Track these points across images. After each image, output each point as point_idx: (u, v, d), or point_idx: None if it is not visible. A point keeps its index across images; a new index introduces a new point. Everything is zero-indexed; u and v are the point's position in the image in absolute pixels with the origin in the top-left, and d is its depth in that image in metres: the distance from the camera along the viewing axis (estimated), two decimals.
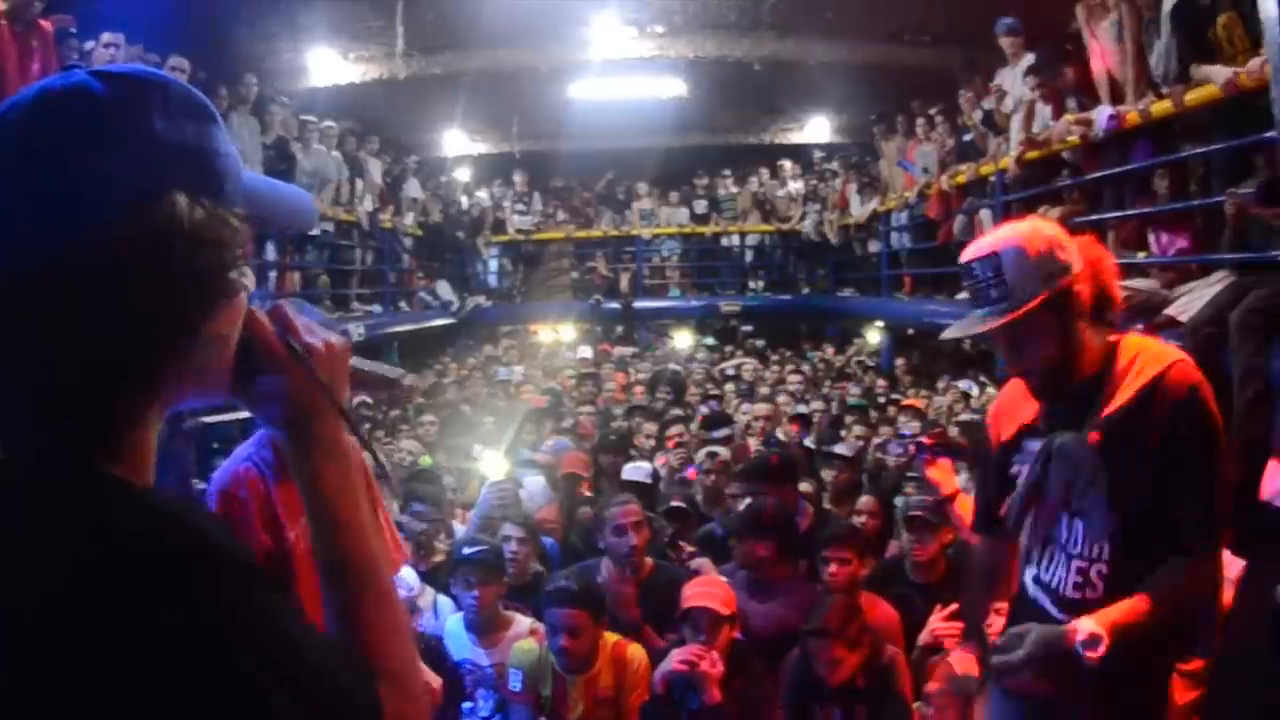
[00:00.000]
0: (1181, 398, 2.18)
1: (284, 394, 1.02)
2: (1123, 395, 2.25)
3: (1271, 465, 3.90)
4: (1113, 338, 2.33)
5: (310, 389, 1.02)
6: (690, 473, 6.14)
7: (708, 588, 3.87)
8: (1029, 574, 2.45)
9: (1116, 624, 2.07)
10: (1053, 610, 2.32)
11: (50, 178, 0.83)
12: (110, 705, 0.74)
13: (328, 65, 11.38)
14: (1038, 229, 2.31)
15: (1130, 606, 2.11)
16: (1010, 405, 2.58)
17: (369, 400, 8.02)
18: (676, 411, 8.60)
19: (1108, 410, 2.26)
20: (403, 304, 14.22)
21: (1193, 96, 5.74)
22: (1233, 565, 3.69)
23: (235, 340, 0.97)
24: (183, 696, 0.75)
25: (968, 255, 2.34)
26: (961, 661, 2.83)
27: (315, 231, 10.72)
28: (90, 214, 0.82)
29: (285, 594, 0.89)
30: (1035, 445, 2.40)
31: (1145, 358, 2.25)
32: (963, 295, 9.83)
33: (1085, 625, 2.06)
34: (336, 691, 0.85)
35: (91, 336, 0.83)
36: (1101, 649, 2.03)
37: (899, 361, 12.28)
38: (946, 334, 2.54)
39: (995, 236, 2.36)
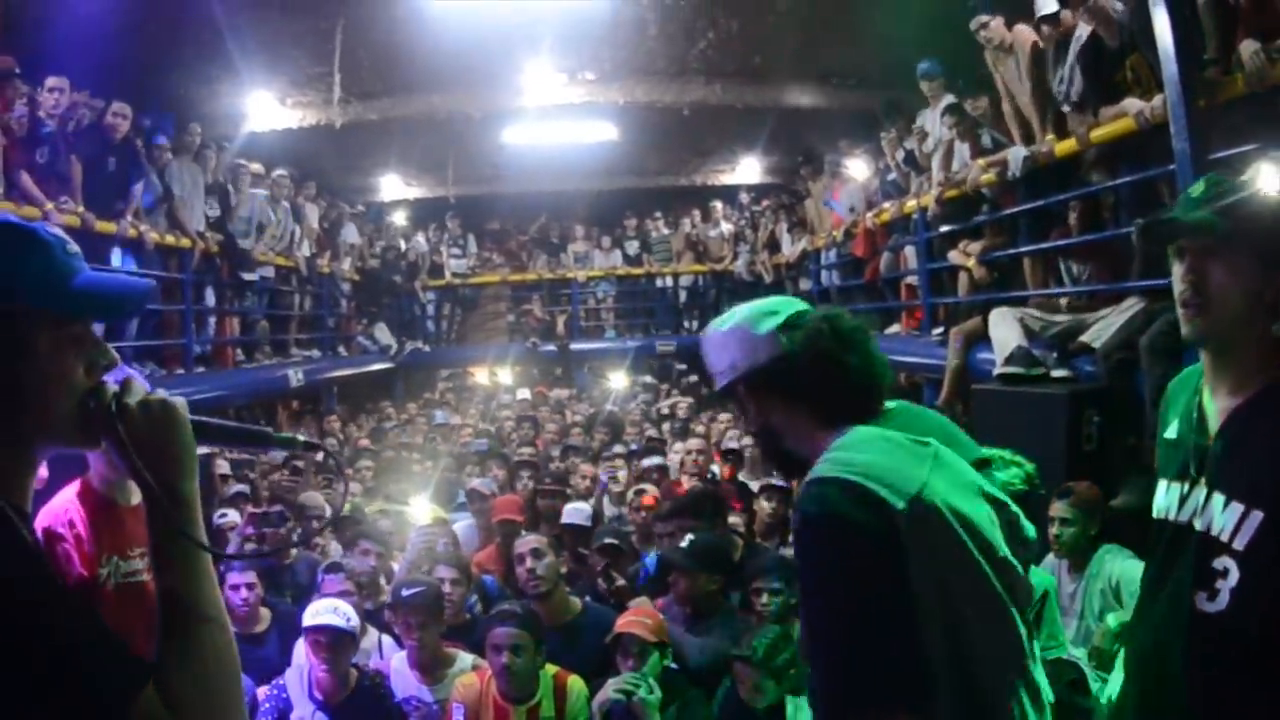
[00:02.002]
0: (802, 530, 1.71)
1: (117, 450, 1.29)
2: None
3: None
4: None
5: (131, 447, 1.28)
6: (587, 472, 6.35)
7: (637, 616, 3.96)
8: None
9: None
10: None
11: None
12: None
13: (266, 111, 11.40)
14: (740, 313, 2.00)
15: None
16: None
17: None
18: (617, 448, 8.70)
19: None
20: (341, 349, 14.21)
21: (1099, 134, 6.00)
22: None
23: (71, 403, 1.29)
24: None
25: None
26: None
27: (253, 277, 10.72)
28: None
29: (57, 608, 1.15)
30: None
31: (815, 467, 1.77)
32: (892, 330, 10.10)
33: None
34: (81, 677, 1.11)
35: None
36: None
37: None
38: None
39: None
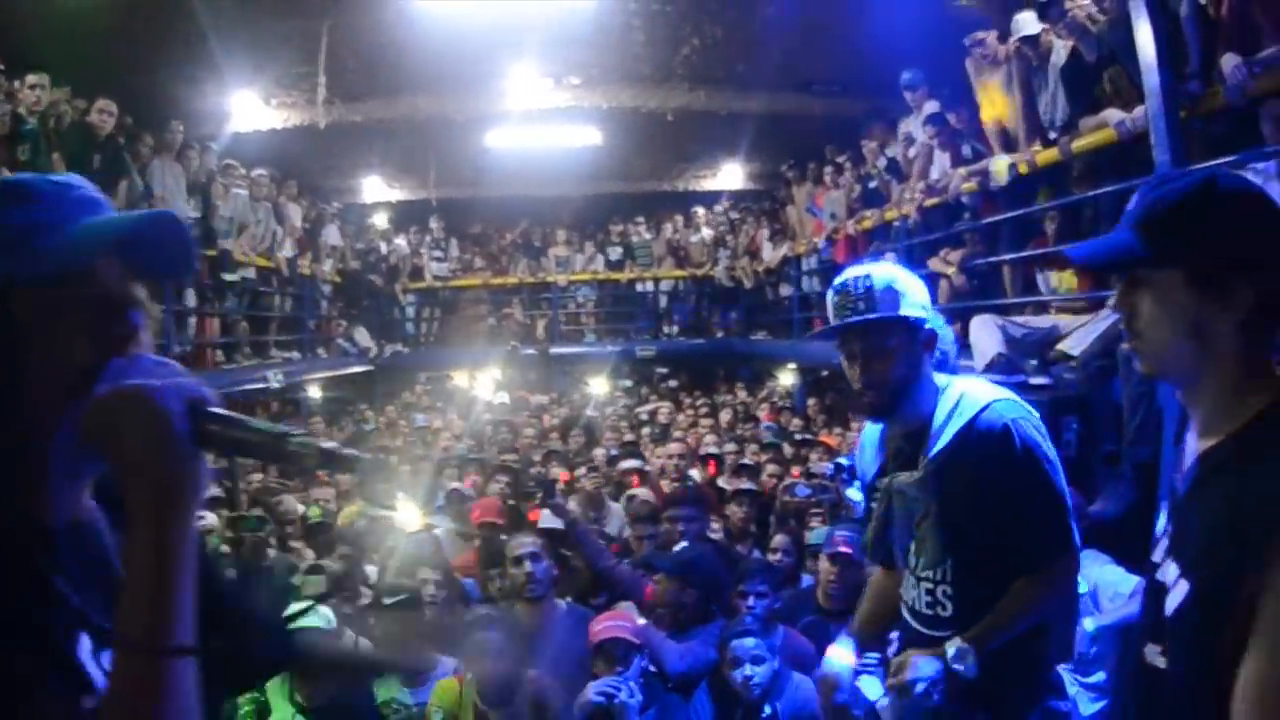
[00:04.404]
0: (994, 436, 2.35)
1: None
2: (945, 436, 2.43)
3: None
4: (942, 382, 2.53)
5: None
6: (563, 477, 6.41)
7: (614, 620, 3.97)
8: (900, 593, 2.66)
9: (980, 636, 2.29)
10: (914, 624, 2.55)
11: None
12: None
13: (251, 110, 11.35)
14: (908, 274, 2.57)
15: (993, 620, 2.33)
16: (867, 450, 3.00)
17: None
18: (597, 451, 8.70)
19: (934, 451, 2.44)
20: (321, 351, 14.12)
21: (1080, 144, 6.06)
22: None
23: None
24: None
25: (843, 276, 2.56)
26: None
27: (234, 278, 10.66)
28: None
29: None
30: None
31: (965, 401, 2.44)
32: None
33: (953, 642, 2.30)
34: None
35: None
36: (971, 659, 2.27)
37: (811, 402, 12.50)
38: (812, 335, 2.83)
39: (869, 266, 2.59)
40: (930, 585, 2.50)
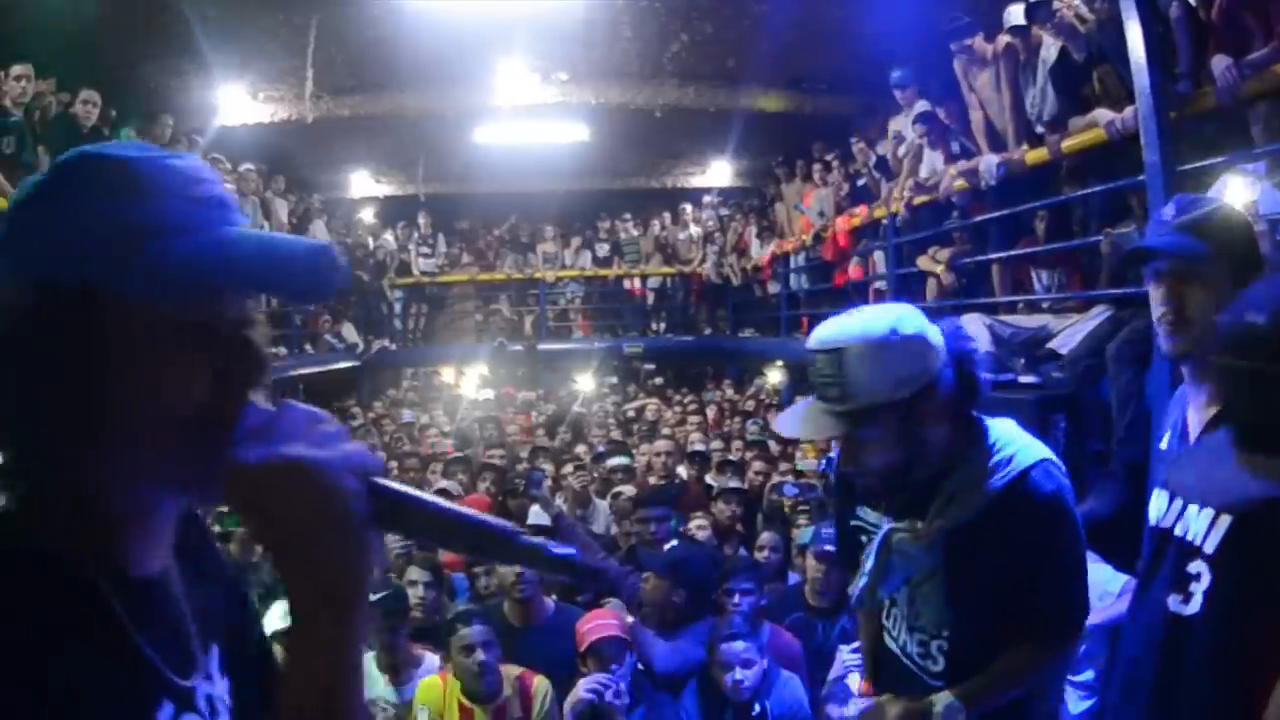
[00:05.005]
0: (1043, 505, 2.10)
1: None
2: (967, 502, 2.13)
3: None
4: (974, 428, 2.21)
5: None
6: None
7: (604, 619, 3.96)
8: (885, 626, 2.46)
9: (972, 696, 2.13)
10: (903, 660, 2.36)
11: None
12: None
13: (238, 104, 11.29)
14: (901, 320, 2.07)
15: (986, 682, 2.15)
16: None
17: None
18: (580, 448, 8.69)
19: (958, 508, 2.14)
20: (308, 346, 14.07)
21: (1069, 143, 6.07)
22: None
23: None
24: None
25: (812, 344, 2.13)
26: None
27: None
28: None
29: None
30: (880, 524, 2.30)
31: (998, 460, 2.14)
32: None
33: (943, 698, 2.12)
34: None
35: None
36: (958, 715, 2.11)
37: (799, 400, 12.49)
38: (779, 429, 2.54)
39: (844, 326, 2.10)
40: (924, 638, 2.29)
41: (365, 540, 0.83)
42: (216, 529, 5.79)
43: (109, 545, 0.88)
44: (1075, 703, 4.05)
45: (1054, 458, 2.17)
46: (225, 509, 0.78)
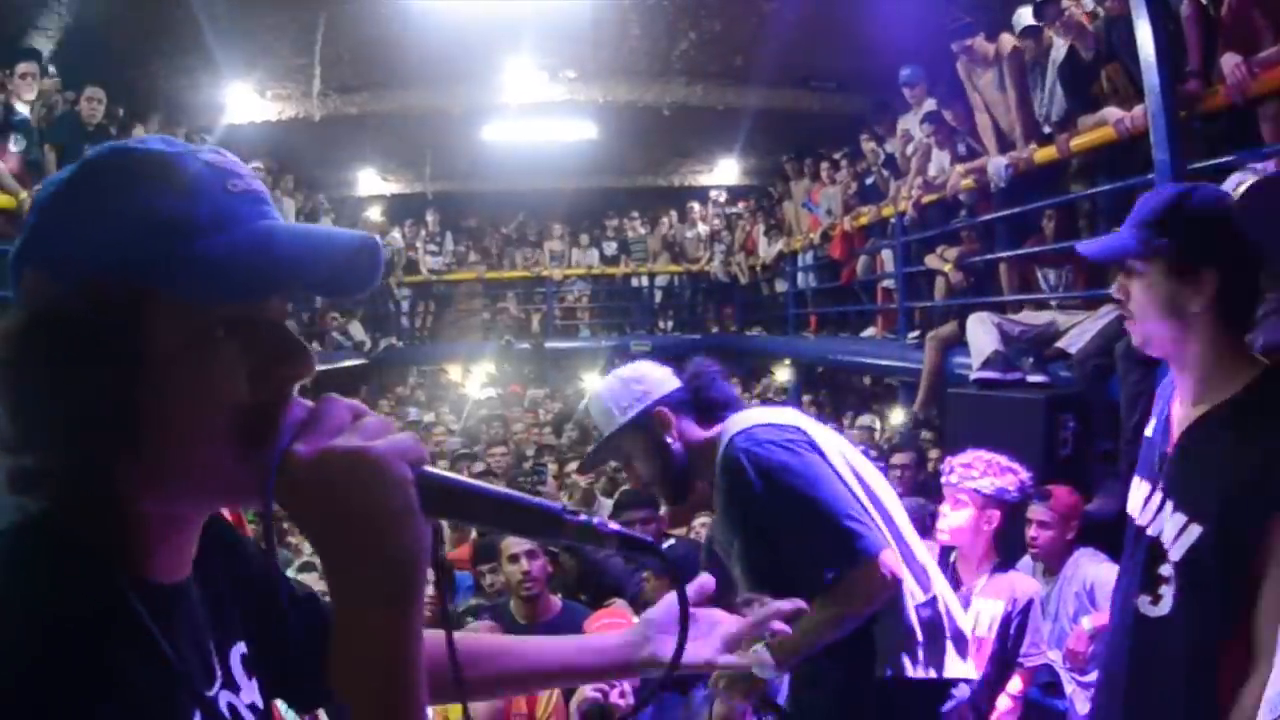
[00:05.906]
0: (732, 475, 2.43)
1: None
2: (715, 478, 2.53)
3: None
4: (714, 432, 2.59)
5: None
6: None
7: (612, 618, 3.95)
8: None
9: (782, 644, 2.23)
10: None
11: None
12: None
13: (245, 102, 11.30)
14: (622, 369, 2.70)
15: (796, 631, 2.19)
16: None
17: None
18: (585, 448, 8.69)
19: (714, 491, 2.56)
20: (315, 344, 14.07)
21: (1078, 142, 6.05)
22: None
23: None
24: None
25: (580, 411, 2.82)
26: None
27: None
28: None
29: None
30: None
31: (719, 447, 2.51)
32: (868, 333, 10.15)
33: (758, 649, 2.27)
34: None
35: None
36: (769, 669, 2.33)
37: (806, 398, 12.50)
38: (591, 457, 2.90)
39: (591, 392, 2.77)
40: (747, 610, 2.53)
41: (424, 529, 0.81)
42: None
43: (139, 551, 0.86)
44: (1083, 703, 4.03)
45: (746, 427, 2.48)
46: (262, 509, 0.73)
